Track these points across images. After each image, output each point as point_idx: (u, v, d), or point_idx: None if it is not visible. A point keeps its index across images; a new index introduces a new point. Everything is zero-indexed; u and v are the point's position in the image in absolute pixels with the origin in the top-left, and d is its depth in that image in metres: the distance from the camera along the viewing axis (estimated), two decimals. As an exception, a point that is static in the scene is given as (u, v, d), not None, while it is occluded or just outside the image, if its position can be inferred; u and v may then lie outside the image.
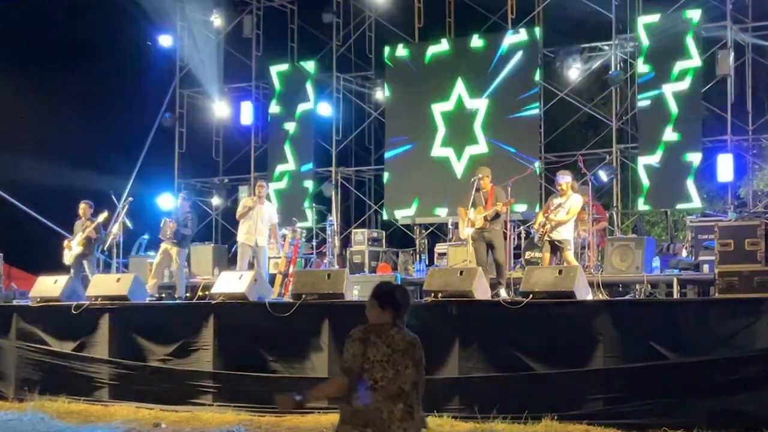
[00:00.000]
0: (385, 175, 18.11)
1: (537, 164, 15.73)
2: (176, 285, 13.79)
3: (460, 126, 17.21)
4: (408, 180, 17.63)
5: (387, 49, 18.14)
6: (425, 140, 17.46)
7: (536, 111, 16.70)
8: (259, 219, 13.58)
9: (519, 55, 16.82)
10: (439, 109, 17.32)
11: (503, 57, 16.91)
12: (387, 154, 18.11)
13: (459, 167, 17.06)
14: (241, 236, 13.66)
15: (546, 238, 11.79)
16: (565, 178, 12.01)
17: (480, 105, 17.03)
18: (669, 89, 15.45)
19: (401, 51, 18.02)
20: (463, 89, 17.15)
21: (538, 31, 16.93)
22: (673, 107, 15.41)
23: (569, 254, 11.78)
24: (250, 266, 13.53)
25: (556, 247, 11.83)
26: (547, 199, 12.68)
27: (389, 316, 5.27)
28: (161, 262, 13.81)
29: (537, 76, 16.74)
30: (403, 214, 17.72)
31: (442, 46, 17.74)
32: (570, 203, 11.81)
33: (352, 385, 5.16)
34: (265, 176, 18.85)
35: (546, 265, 11.69)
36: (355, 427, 5.15)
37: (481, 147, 16.90)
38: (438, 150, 17.32)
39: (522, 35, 16.94)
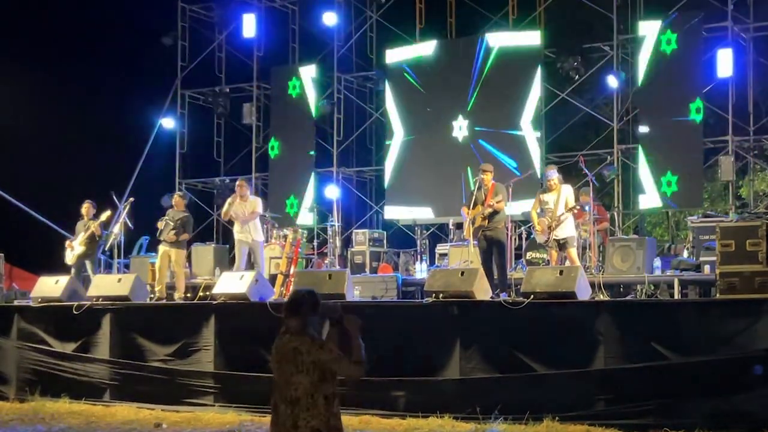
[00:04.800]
0: (386, 177, 18.11)
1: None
2: (177, 285, 13.76)
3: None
4: (410, 180, 17.64)
5: (388, 49, 18.15)
6: (432, 134, 17.52)
7: (537, 111, 16.72)
8: (247, 214, 13.63)
9: (520, 55, 16.82)
10: (457, 125, 17.38)
11: (504, 57, 16.91)
12: (388, 155, 18.11)
13: (460, 135, 17.23)
14: (237, 234, 13.69)
15: (553, 237, 11.80)
16: (555, 174, 12.07)
17: (474, 113, 17.12)
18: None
19: (402, 51, 18.01)
20: (463, 97, 17.22)
21: (539, 31, 16.93)
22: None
23: (573, 252, 11.82)
24: (250, 265, 13.55)
25: (561, 245, 11.86)
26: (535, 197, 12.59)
27: (295, 323, 5.31)
28: (162, 264, 13.73)
29: (538, 76, 16.74)
30: (405, 216, 17.74)
31: (444, 46, 17.74)
32: (564, 196, 11.86)
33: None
34: (266, 176, 18.91)
35: (554, 263, 11.69)
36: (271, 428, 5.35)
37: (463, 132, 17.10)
38: (457, 132, 17.38)
39: (523, 36, 16.93)
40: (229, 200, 13.64)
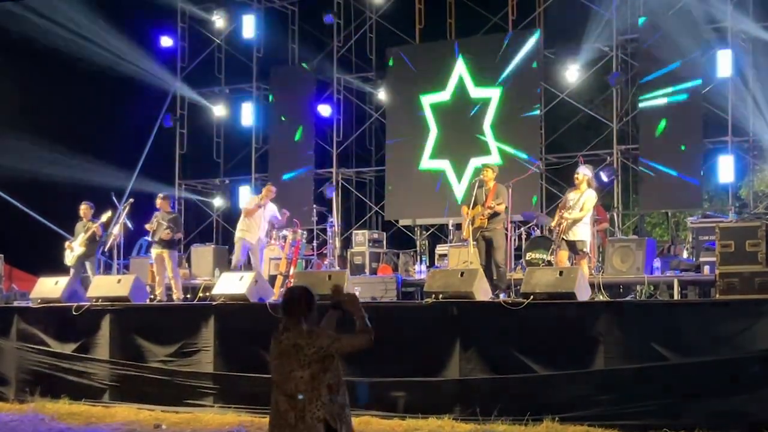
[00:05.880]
0: (386, 179, 18.11)
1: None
2: (172, 287, 13.78)
3: (461, 126, 17.26)
4: (409, 181, 17.63)
5: (388, 51, 18.14)
6: (420, 147, 17.49)
7: (537, 112, 16.71)
8: (263, 218, 13.79)
9: (519, 56, 16.82)
10: (428, 101, 17.39)
11: (504, 58, 16.91)
12: (387, 157, 18.12)
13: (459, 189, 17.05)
14: (242, 232, 13.73)
15: (562, 236, 11.65)
16: (583, 171, 11.90)
17: (484, 95, 17.04)
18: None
19: (402, 52, 18.01)
20: (465, 79, 17.17)
21: (538, 32, 16.93)
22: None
23: (583, 264, 11.53)
24: (248, 264, 13.59)
25: (573, 248, 11.71)
26: (563, 195, 12.49)
27: (293, 321, 5.47)
28: (159, 268, 13.81)
29: (538, 78, 16.73)
30: (404, 218, 17.77)
31: (443, 46, 17.73)
32: (584, 199, 11.66)
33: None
34: (266, 177, 18.90)
35: (562, 264, 11.55)
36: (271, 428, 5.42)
37: (493, 157, 16.54)
38: (427, 162, 17.43)
39: (523, 36, 16.93)
40: (261, 201, 13.78)
